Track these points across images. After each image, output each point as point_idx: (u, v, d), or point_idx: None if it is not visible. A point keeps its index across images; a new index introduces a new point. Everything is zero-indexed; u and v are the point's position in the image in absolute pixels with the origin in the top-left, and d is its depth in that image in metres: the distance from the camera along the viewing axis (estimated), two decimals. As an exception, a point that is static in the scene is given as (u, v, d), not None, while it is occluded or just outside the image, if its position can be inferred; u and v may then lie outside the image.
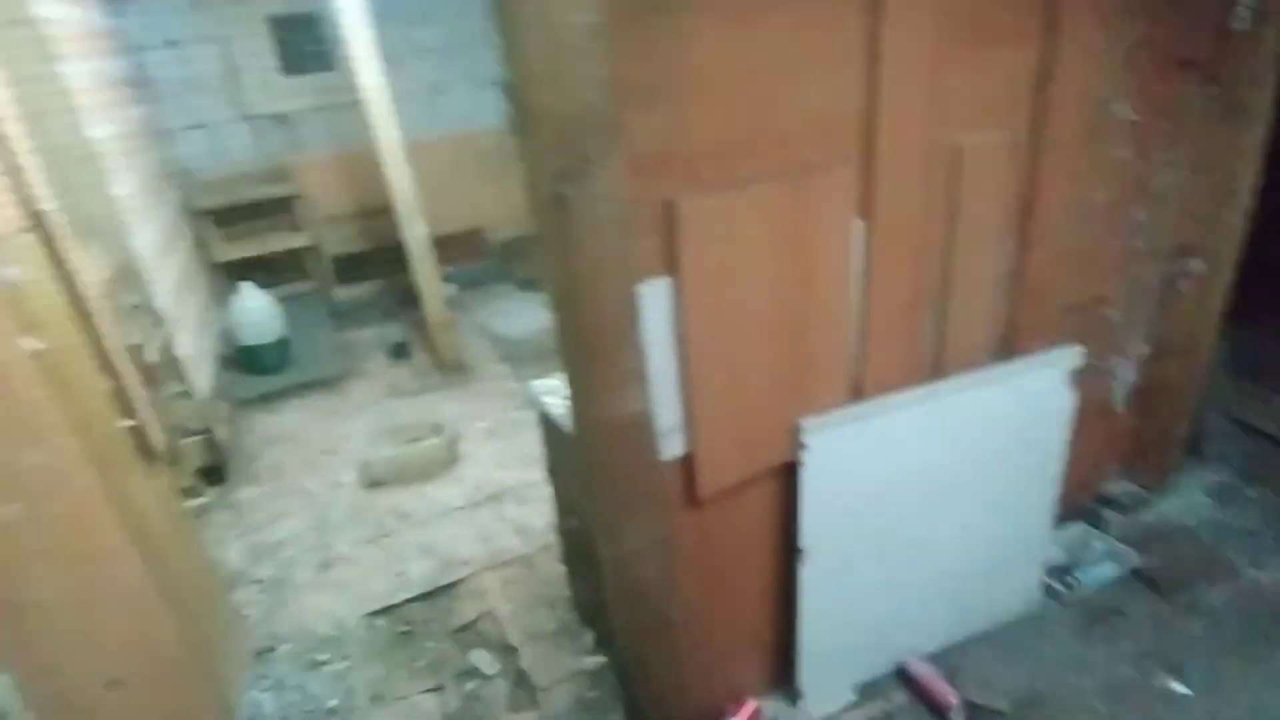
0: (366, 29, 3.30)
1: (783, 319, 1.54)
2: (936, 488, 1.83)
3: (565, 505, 2.09)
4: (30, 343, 1.40)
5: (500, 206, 5.07)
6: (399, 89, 4.40)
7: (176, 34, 4.13)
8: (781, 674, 1.91)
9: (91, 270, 2.54)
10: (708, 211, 1.34)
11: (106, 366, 1.68)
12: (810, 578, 1.77)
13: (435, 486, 2.89)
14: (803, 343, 1.59)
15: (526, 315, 4.34)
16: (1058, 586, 2.12)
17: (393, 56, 4.35)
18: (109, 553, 1.54)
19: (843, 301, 1.60)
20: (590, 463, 1.35)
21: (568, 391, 1.33)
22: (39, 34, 2.61)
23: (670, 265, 1.35)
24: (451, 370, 3.78)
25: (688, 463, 1.55)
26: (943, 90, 1.48)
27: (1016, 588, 2.06)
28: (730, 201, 1.37)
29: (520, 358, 3.86)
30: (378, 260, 4.74)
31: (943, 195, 1.60)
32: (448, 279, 4.52)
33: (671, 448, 1.51)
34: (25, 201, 1.53)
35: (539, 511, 2.69)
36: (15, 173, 1.52)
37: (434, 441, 2.99)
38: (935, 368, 1.80)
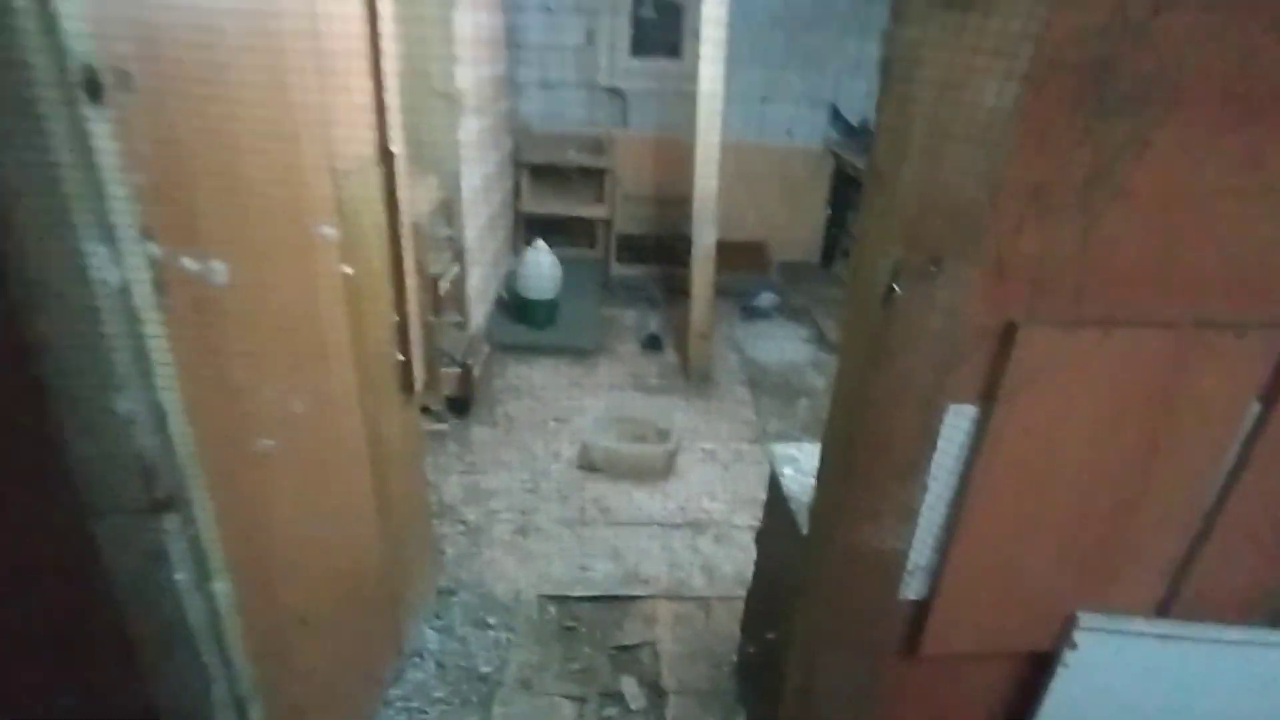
0: (721, 25, 3.29)
1: (1101, 489, 1.22)
2: (1242, 761, 1.39)
3: (764, 578, 1.91)
4: (342, 267, 1.51)
5: (791, 227, 4.92)
6: (731, 89, 4.38)
7: (552, 1, 4.46)
8: None
9: (421, 201, 2.80)
10: (1052, 345, 1.08)
11: (400, 303, 1.80)
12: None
13: (643, 492, 2.85)
14: (1116, 524, 1.26)
15: (785, 344, 4.17)
16: None
17: (735, 56, 4.34)
18: (348, 474, 1.65)
19: (1192, 495, 1.24)
20: (812, 582, 1.17)
21: (817, 503, 1.15)
22: (445, -17, 2.91)
23: (983, 394, 1.11)
24: (695, 378, 3.73)
25: (920, 610, 1.30)
26: None
27: None
28: (1086, 341, 1.09)
29: (765, 386, 3.71)
30: (659, 248, 4.82)
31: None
32: (744, 308, 4.48)
33: (910, 588, 1.27)
34: (378, 137, 1.67)
35: (733, 558, 2.54)
36: (381, 113, 1.66)
37: (656, 448, 2.95)
38: (1291, 609, 1.35)
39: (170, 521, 1.06)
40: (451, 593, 2.35)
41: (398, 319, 1.82)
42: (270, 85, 1.17)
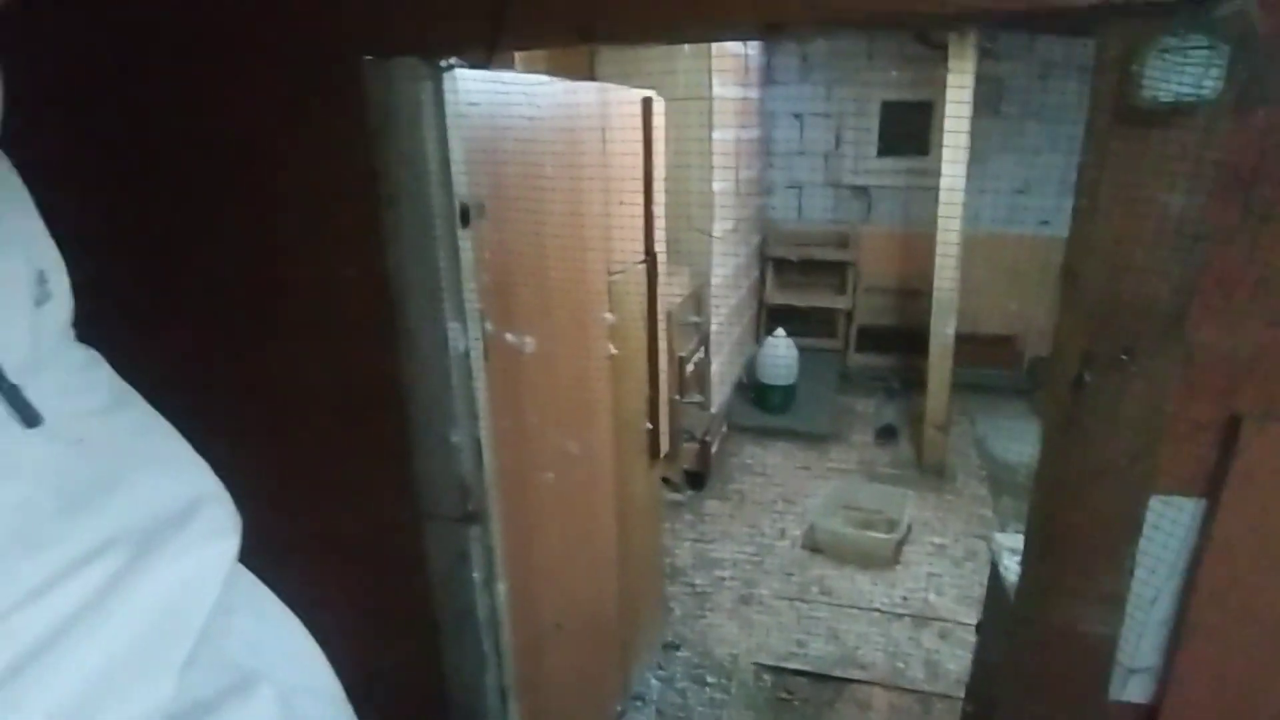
0: (966, 121, 3.36)
1: (1371, 611, 1.12)
2: None
3: (982, 670, 1.87)
4: (610, 347, 1.85)
5: (1044, 321, 4.65)
6: (983, 182, 4.37)
7: (803, 109, 4.81)
8: None
9: (675, 292, 3.18)
10: (1287, 443, 1.06)
11: (653, 378, 2.11)
12: None
13: (867, 578, 2.86)
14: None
15: (1032, 442, 3.92)
16: None
17: (987, 150, 4.35)
18: (599, 519, 1.95)
19: None
20: (1017, 668, 1.20)
21: (1020, 582, 1.20)
22: (708, 107, 3.35)
23: (1208, 487, 1.10)
24: (929, 471, 3.65)
25: (1147, 716, 1.26)
26: None
27: None
28: (1331, 441, 1.05)
29: (1006, 485, 3.52)
30: (899, 339, 4.81)
31: None
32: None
33: (1132, 690, 1.24)
34: (646, 242, 2.02)
35: (957, 657, 2.45)
36: (648, 221, 2.02)
37: (883, 536, 2.95)
38: None
39: (474, 531, 1.41)
40: (675, 647, 2.54)
41: (649, 393, 2.13)
42: (570, 208, 1.55)
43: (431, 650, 1.54)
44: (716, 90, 3.33)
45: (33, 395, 0.40)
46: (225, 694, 0.46)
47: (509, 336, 1.35)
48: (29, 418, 0.40)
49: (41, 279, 0.46)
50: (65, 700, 0.36)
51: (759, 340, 4.76)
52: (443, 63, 1.17)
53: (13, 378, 0.40)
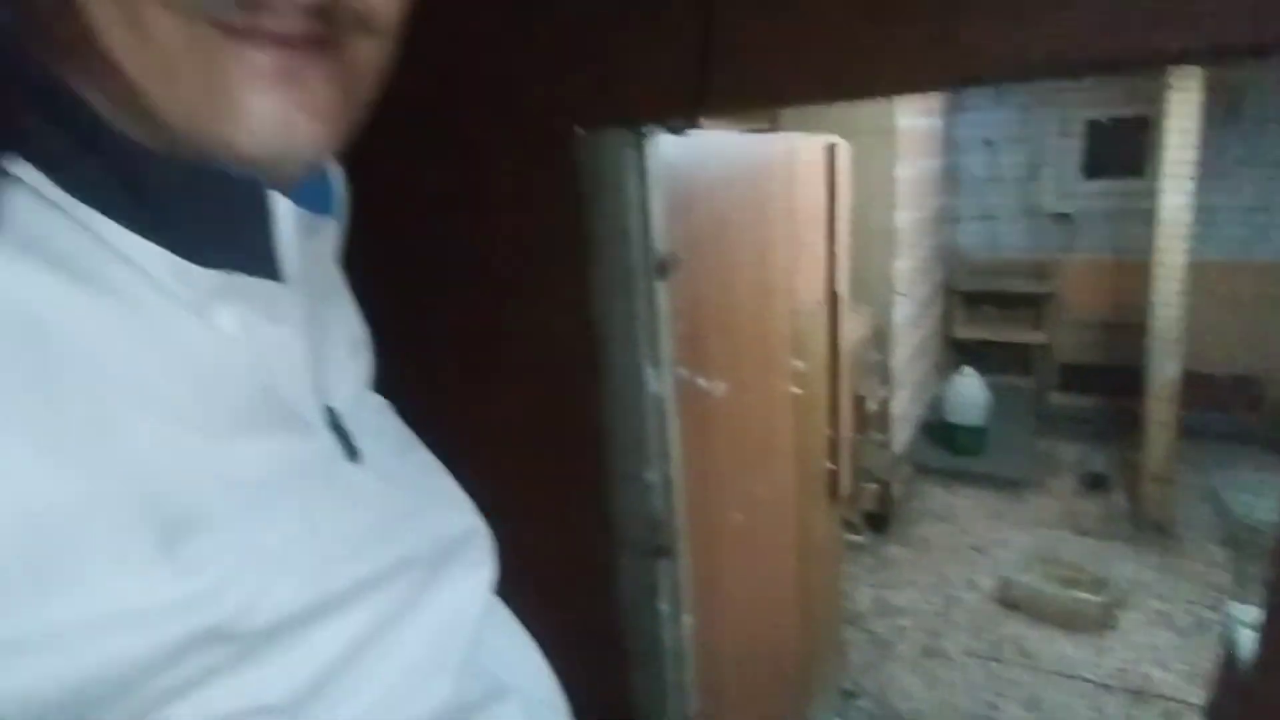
0: (1191, 136, 3.04)
1: None
2: None
3: (1221, 764, 1.66)
4: (793, 388, 1.87)
5: (1299, 361, 4.05)
6: (1215, 203, 3.94)
7: (995, 135, 4.57)
8: None
9: (856, 329, 3.13)
10: None
11: (832, 418, 2.10)
12: None
13: (1071, 643, 2.62)
14: None
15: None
16: None
17: (1220, 168, 3.91)
18: (781, 558, 1.97)
19: None
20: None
21: (1258, 657, 1.08)
22: (891, 139, 3.29)
23: None
24: (1148, 527, 3.28)
25: None
26: None
27: None
28: None
29: (1253, 550, 3.07)
30: (1108, 377, 4.38)
31: None
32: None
33: None
34: (828, 283, 2.03)
35: (1188, 744, 2.18)
36: (830, 261, 2.03)
37: (1091, 597, 2.69)
38: None
39: (663, 565, 1.48)
40: (854, 696, 2.47)
41: (830, 433, 2.12)
42: (757, 256, 1.61)
43: (621, 677, 1.62)
44: (900, 122, 3.27)
45: (355, 437, 0.51)
46: (485, 698, 0.55)
47: (700, 381, 1.42)
48: (354, 455, 0.50)
49: (354, 342, 0.59)
50: (381, 693, 0.46)
51: (944, 377, 4.54)
52: (645, 129, 1.27)
53: (345, 423, 0.51)
